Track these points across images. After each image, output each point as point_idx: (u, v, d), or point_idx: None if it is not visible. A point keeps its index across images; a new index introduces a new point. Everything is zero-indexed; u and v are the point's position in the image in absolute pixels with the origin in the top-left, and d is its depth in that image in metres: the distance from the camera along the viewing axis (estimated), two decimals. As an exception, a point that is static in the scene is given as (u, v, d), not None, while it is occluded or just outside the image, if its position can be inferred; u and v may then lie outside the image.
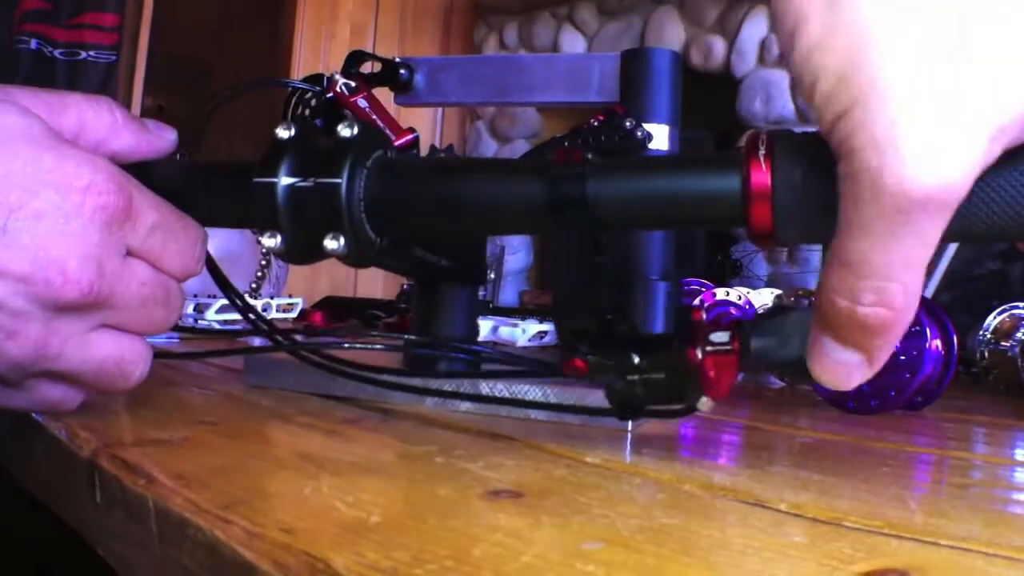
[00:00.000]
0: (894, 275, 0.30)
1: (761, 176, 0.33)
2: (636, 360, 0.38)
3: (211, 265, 0.47)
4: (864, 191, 0.29)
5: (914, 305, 0.31)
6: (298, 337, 0.56)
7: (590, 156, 0.37)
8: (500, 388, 0.51)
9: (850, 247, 0.31)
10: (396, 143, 0.54)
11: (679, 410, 0.39)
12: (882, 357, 0.33)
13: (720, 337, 0.37)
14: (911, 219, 0.29)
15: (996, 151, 0.29)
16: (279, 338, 0.52)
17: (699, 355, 0.37)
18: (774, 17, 0.32)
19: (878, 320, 0.31)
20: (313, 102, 0.62)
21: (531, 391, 0.50)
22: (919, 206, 0.29)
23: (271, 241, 0.40)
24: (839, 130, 0.30)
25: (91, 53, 2.85)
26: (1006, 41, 0.28)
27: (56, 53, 2.82)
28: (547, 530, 0.28)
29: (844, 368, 0.33)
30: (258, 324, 0.53)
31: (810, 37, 0.30)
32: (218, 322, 0.99)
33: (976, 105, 0.28)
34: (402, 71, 0.68)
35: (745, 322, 0.37)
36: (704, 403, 0.37)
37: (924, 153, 0.28)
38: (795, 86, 0.31)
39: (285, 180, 0.39)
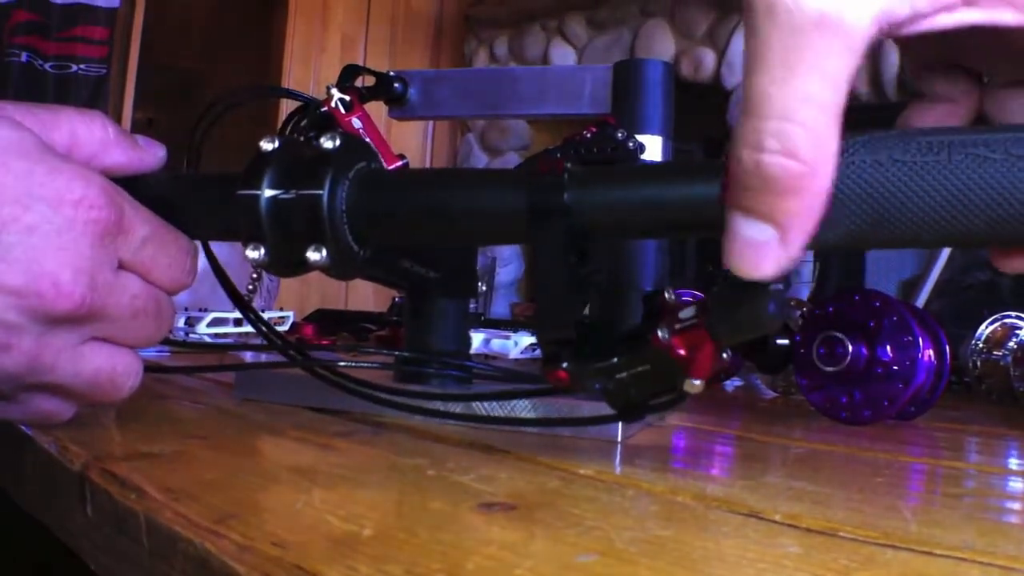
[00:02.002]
0: (794, 113, 0.29)
1: None
2: (615, 360, 0.38)
3: (220, 274, 0.47)
4: (759, 14, 0.28)
5: (824, 161, 0.29)
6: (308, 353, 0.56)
7: (569, 165, 0.37)
8: (492, 405, 0.51)
9: (750, 85, 0.29)
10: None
11: (672, 399, 0.38)
12: (795, 230, 0.30)
13: (687, 313, 0.37)
14: (807, 43, 0.28)
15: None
16: (293, 353, 0.52)
17: (665, 336, 0.36)
18: None
19: (783, 171, 0.29)
20: (304, 122, 0.62)
21: (521, 405, 0.50)
22: (813, 26, 0.28)
23: (255, 253, 0.40)
24: None
25: (81, 66, 2.85)
26: None
27: (46, 66, 2.82)
28: (541, 543, 0.28)
29: (755, 247, 0.31)
30: (272, 338, 0.52)
31: None
32: (209, 335, 0.99)
33: None
34: (396, 85, 0.68)
35: (707, 294, 0.36)
36: (691, 385, 0.36)
37: None
38: None
39: (268, 192, 0.39)
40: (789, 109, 0.29)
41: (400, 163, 0.59)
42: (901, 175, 0.32)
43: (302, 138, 0.61)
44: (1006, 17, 0.31)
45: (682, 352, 0.36)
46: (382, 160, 0.53)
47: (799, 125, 0.29)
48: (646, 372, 0.38)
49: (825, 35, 0.28)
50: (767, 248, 0.31)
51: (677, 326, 0.36)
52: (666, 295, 0.38)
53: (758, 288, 0.33)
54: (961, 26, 0.31)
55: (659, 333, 0.36)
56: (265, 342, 0.54)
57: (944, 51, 0.37)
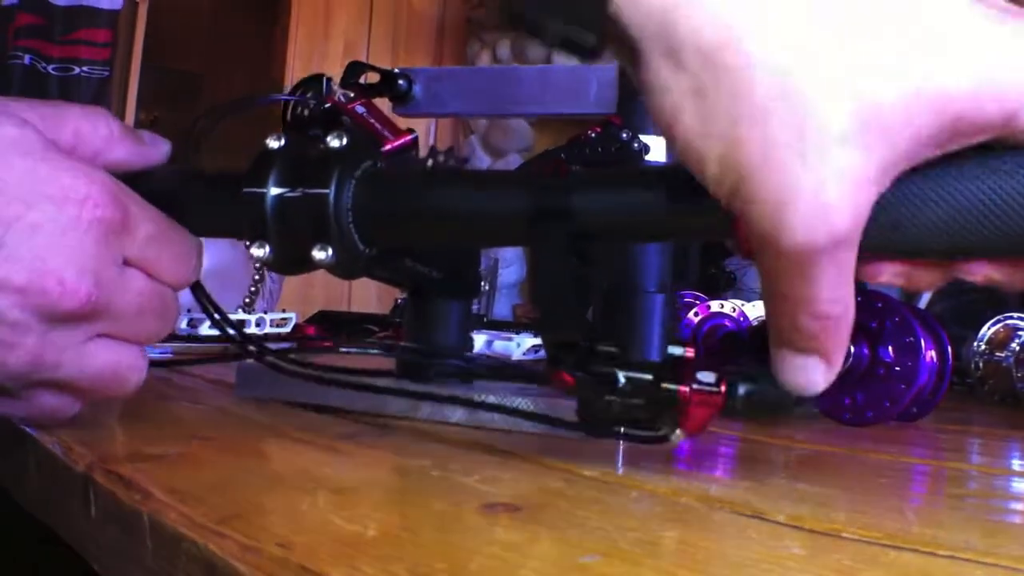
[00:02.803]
0: (822, 299, 0.32)
1: None
2: (622, 382, 0.38)
3: (197, 289, 0.47)
4: (770, 251, 0.31)
5: (850, 304, 0.33)
6: (271, 346, 0.55)
7: (574, 168, 0.37)
8: (492, 400, 0.51)
9: (776, 286, 0.33)
10: (395, 143, 0.54)
11: (650, 438, 0.39)
12: (838, 356, 0.34)
13: (707, 378, 0.38)
14: (819, 263, 0.31)
15: (881, 187, 0.31)
16: (272, 359, 0.52)
17: (686, 393, 0.37)
18: (650, 110, 0.33)
19: (822, 331, 0.33)
20: (307, 113, 0.62)
21: (523, 402, 0.50)
22: (820, 254, 0.31)
23: (259, 251, 0.40)
24: (733, 205, 0.32)
25: (84, 68, 2.86)
26: (845, 115, 0.30)
27: (49, 68, 2.82)
28: (545, 543, 0.28)
29: (806, 373, 0.34)
30: (243, 345, 0.52)
31: (688, 128, 0.32)
32: (212, 335, 0.99)
33: (849, 160, 0.30)
34: (401, 82, 0.67)
35: (736, 375, 0.38)
36: (676, 436, 0.38)
37: (812, 212, 0.30)
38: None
39: (273, 190, 0.39)
40: (820, 299, 0.32)
41: (409, 137, 0.59)
42: (913, 185, 0.32)
43: (305, 114, 0.60)
44: (973, 142, 0.32)
45: (693, 411, 0.37)
46: (390, 137, 0.53)
47: (830, 302, 0.32)
48: (637, 405, 0.38)
49: (831, 252, 0.31)
50: (817, 371, 0.34)
51: (696, 386, 0.37)
52: (691, 352, 0.39)
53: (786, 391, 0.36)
54: None
55: (682, 390, 0.37)
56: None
57: None
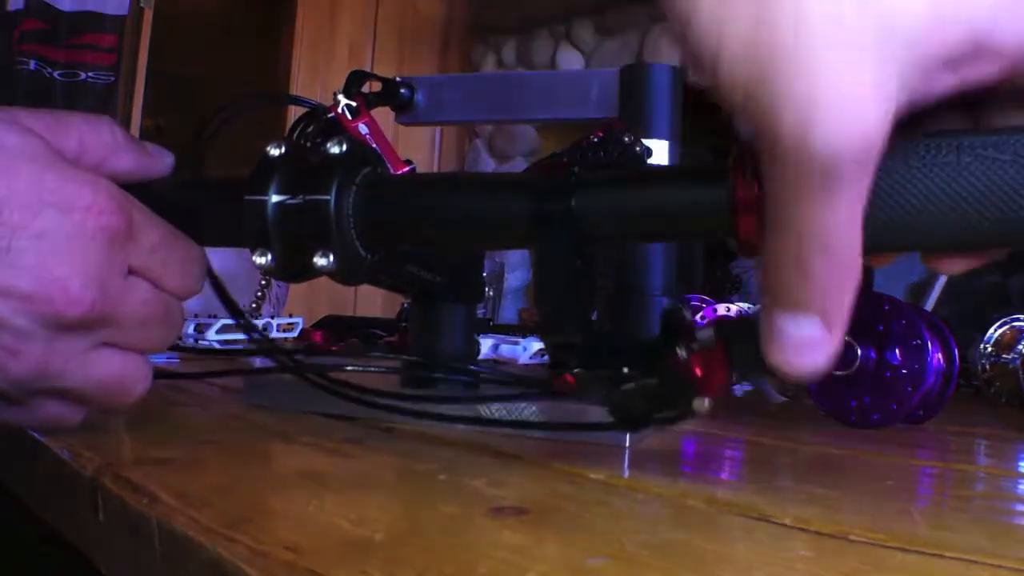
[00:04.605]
0: (839, 232, 0.30)
1: (747, 187, 0.33)
2: (626, 370, 0.38)
3: (216, 286, 0.47)
4: (792, 159, 0.29)
5: (858, 256, 0.31)
6: (298, 357, 0.56)
7: (576, 169, 0.37)
8: (498, 408, 0.51)
9: (792, 215, 0.30)
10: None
11: (678, 415, 0.39)
12: (840, 321, 0.32)
13: (705, 335, 0.37)
14: (842, 176, 0.28)
15: (899, 104, 0.29)
16: (283, 359, 0.52)
17: (683, 355, 0.36)
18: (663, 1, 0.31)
19: (830, 276, 0.30)
20: (311, 127, 0.62)
21: (528, 410, 0.50)
22: (848, 162, 0.28)
23: (261, 259, 0.40)
24: (755, 102, 0.29)
25: (90, 74, 2.86)
26: None
27: (55, 74, 2.83)
28: (552, 546, 0.28)
29: (803, 344, 0.32)
30: (262, 344, 0.52)
31: (708, 8, 0.29)
32: (218, 342, 0.99)
33: (885, 46, 0.28)
34: (403, 90, 0.68)
35: (727, 320, 0.37)
36: (700, 404, 0.36)
37: (849, 112, 0.28)
38: (695, 65, 0.31)
39: (275, 198, 0.39)
40: (836, 231, 0.29)
41: (407, 168, 0.59)
42: (910, 177, 0.32)
43: (309, 144, 0.61)
44: (986, 72, 0.30)
45: (698, 372, 0.36)
46: (388, 166, 0.53)
47: (844, 238, 0.30)
48: (653, 386, 0.38)
49: (854, 165, 0.28)
50: (815, 341, 0.32)
51: (695, 346, 0.37)
52: (685, 313, 0.38)
53: None
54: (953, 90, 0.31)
55: (679, 352, 0.36)
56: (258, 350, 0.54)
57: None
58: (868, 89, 0.28)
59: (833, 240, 0.30)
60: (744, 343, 0.36)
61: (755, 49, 0.28)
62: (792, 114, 0.28)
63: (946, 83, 0.30)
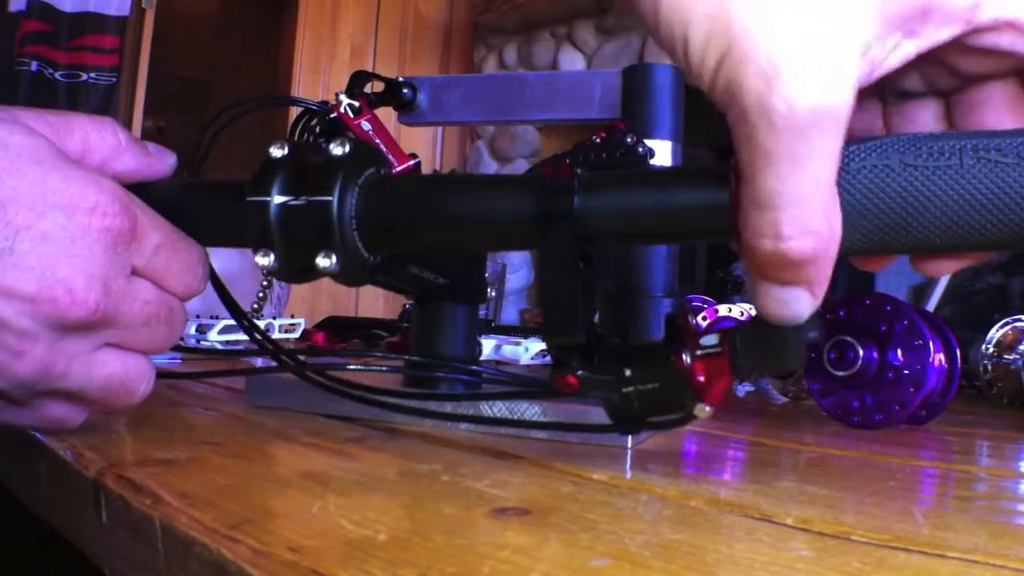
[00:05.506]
0: (808, 198, 0.30)
1: None
2: (628, 372, 0.38)
3: (218, 286, 0.47)
4: (760, 124, 0.30)
5: (837, 228, 0.32)
6: (300, 357, 0.56)
7: (578, 171, 0.37)
8: (500, 408, 0.51)
9: (759, 185, 0.31)
10: (396, 169, 0.54)
11: (678, 419, 0.39)
12: (823, 285, 0.33)
13: (709, 340, 0.37)
14: (810, 138, 0.29)
15: (869, 60, 0.30)
16: (285, 358, 0.52)
17: (687, 360, 0.37)
18: None
19: (806, 251, 0.31)
20: (316, 125, 0.62)
21: (530, 410, 0.50)
22: (810, 124, 0.29)
23: (264, 260, 0.40)
24: (722, 74, 0.30)
25: (91, 75, 2.87)
26: None
27: (56, 75, 2.83)
28: (555, 547, 0.28)
29: (789, 304, 0.33)
30: (264, 345, 0.52)
31: None
32: (220, 342, 0.99)
33: (847, 19, 0.29)
34: (405, 90, 0.68)
35: (733, 327, 0.37)
36: (701, 410, 0.37)
37: (810, 71, 0.29)
38: (668, 53, 0.32)
39: (277, 199, 0.39)
40: (800, 198, 0.30)
41: (412, 162, 0.59)
42: (912, 179, 0.32)
43: (311, 139, 0.61)
44: (942, 35, 0.32)
45: (701, 378, 0.36)
46: (393, 162, 0.53)
47: (810, 208, 0.31)
48: (655, 390, 0.38)
49: (821, 127, 0.29)
50: (800, 302, 0.33)
51: (699, 352, 0.37)
52: (689, 319, 0.38)
53: (787, 332, 0.34)
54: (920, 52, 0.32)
55: (683, 357, 0.36)
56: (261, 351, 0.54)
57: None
58: (827, 49, 0.29)
59: (807, 207, 0.30)
60: (750, 351, 0.36)
61: (719, 23, 0.30)
62: (755, 77, 0.29)
63: (906, 51, 0.31)
